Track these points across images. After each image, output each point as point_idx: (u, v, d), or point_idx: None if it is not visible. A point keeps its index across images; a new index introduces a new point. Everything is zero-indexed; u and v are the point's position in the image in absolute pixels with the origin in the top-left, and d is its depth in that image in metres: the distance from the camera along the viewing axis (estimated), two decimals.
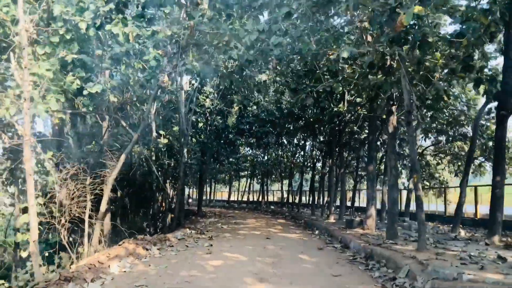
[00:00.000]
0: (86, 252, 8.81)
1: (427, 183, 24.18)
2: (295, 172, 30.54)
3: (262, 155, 35.32)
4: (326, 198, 31.93)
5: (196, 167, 21.52)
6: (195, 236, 11.91)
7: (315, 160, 22.51)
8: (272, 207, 32.36)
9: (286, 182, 39.45)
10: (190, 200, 55.48)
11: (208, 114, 21.54)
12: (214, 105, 21.40)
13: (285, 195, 34.39)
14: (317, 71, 11.32)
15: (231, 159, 39.22)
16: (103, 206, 9.28)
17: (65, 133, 12.39)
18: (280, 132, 22.03)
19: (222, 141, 21.34)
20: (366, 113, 15.16)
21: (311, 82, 13.17)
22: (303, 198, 30.57)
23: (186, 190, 46.01)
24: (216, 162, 23.63)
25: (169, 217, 22.12)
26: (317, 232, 13.74)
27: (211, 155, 22.26)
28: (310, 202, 32.27)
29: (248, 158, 39.35)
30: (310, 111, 16.90)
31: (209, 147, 21.13)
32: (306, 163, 26.38)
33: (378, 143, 20.48)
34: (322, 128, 17.88)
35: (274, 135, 22.11)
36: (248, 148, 39.79)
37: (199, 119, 22.33)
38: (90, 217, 8.99)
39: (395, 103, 10.27)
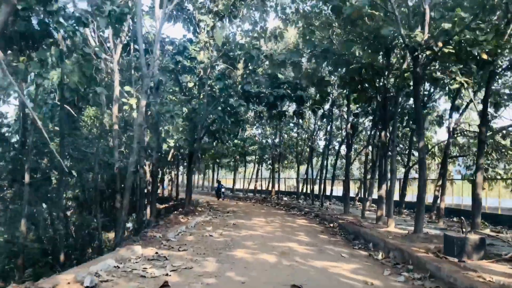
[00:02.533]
0: None
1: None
2: (315, 156, 24.34)
3: (273, 135, 29.22)
4: (354, 190, 26.14)
5: (185, 144, 15.51)
6: (139, 267, 5.94)
7: (349, 138, 16.27)
8: (285, 198, 26.30)
9: (302, 168, 33.47)
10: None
11: (202, 72, 15.42)
12: (212, 59, 15.25)
13: (300, 184, 28.36)
14: None
15: (236, 140, 33.39)
16: None
17: None
18: (300, 99, 15.76)
19: (220, 109, 15.31)
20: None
21: None
22: (322, 188, 24.46)
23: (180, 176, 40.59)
24: (213, 138, 17.58)
25: (148, 211, 16.35)
26: (391, 259, 7.01)
27: (206, 128, 16.21)
28: (329, 193, 26.28)
29: (256, 138, 33.28)
30: (360, 52, 10.52)
31: (202, 117, 15.05)
32: (331, 143, 20.20)
33: None
34: (377, 82, 11.40)
35: (294, 101, 15.87)
36: (257, 126, 33.81)
37: (189, 77, 16.23)
38: None
39: None
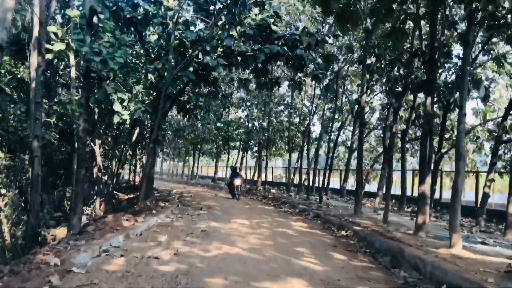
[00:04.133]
0: None
1: None
2: (311, 142, 20.62)
3: (261, 118, 25.37)
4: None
5: (145, 117, 11.49)
6: None
7: (362, 115, 12.45)
8: (273, 190, 22.54)
9: (293, 156, 29.78)
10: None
11: (169, 20, 11.38)
12: (181, 3, 11.22)
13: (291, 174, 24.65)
14: None
15: (218, 124, 29.41)
16: None
17: None
18: (300, 61, 11.85)
19: (192, 70, 11.32)
20: None
21: None
22: (321, 179, 20.83)
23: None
24: (183, 112, 13.55)
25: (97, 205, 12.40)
26: None
27: (173, 96, 12.23)
28: (325, 185, 22.62)
29: (241, 121, 29.40)
30: None
31: (167, 80, 11.05)
32: (333, 123, 16.52)
33: None
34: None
35: (291, 64, 11.88)
36: (243, 108, 29.79)
37: (151, 29, 12.16)
38: None
39: None
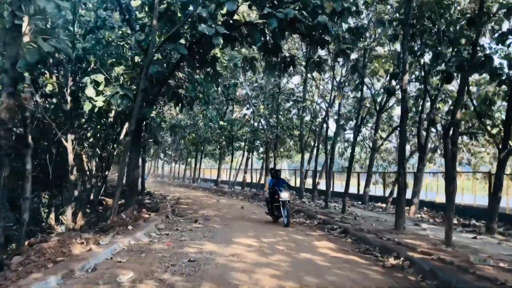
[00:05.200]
0: None
1: None
2: (326, 139, 17.94)
3: (268, 115, 22.72)
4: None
5: (121, 102, 8.92)
6: None
7: (405, 100, 9.67)
8: None
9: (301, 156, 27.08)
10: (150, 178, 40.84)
11: None
12: None
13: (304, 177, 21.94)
14: None
15: (221, 122, 26.83)
16: None
17: None
18: (322, 31, 9.23)
19: (183, 42, 8.78)
20: None
21: None
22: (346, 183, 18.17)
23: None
24: (175, 99, 10.95)
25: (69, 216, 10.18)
26: None
27: (159, 76, 9.69)
28: (340, 189, 19.81)
29: (247, 117, 26.81)
30: None
31: (150, 54, 8.49)
32: (359, 115, 13.86)
33: None
34: None
35: (311, 35, 9.18)
36: (247, 107, 27.12)
37: None
38: None
39: None
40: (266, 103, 23.36)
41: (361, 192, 17.46)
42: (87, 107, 9.21)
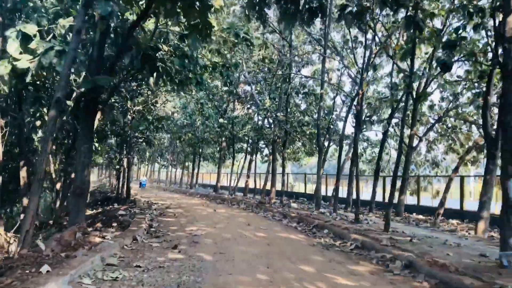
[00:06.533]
0: None
1: None
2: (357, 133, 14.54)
3: (275, 109, 19.34)
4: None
5: (57, 61, 5.57)
6: None
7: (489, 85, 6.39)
8: (294, 205, 16.32)
9: (311, 159, 23.72)
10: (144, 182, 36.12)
11: None
12: None
13: (322, 182, 18.44)
14: None
15: (221, 120, 23.48)
16: None
17: None
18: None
19: None
20: None
21: None
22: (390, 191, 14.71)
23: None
24: (152, 70, 7.66)
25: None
26: None
27: (125, 38, 6.39)
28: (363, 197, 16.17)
29: (250, 111, 23.47)
30: None
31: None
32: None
33: None
34: None
35: None
36: (251, 103, 23.67)
37: None
38: None
39: None
40: (273, 96, 20.03)
41: (391, 199, 14.02)
42: (3, 69, 5.92)
